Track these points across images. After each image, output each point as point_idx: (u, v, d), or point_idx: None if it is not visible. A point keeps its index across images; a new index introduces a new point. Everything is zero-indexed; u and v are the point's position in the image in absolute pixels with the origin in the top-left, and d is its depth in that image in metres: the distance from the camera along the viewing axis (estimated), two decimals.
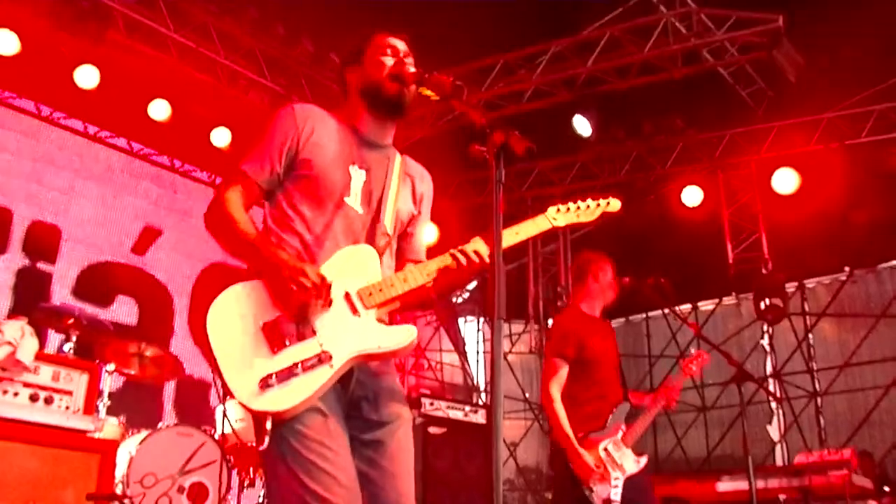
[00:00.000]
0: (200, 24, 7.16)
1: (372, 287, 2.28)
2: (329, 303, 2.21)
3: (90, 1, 6.49)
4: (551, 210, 2.52)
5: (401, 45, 2.46)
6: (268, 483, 2.21)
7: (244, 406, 2.09)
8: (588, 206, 2.57)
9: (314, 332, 2.18)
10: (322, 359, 2.14)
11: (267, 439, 2.06)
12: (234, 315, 2.18)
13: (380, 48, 2.44)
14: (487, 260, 2.29)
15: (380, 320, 2.28)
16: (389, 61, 2.41)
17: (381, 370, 2.34)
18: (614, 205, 2.60)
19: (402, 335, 2.26)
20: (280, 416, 2.08)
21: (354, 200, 2.37)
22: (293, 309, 2.17)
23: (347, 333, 2.21)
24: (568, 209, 2.54)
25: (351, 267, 2.28)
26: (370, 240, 2.37)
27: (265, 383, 2.08)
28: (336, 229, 2.33)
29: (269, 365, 2.11)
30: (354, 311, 2.25)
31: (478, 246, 2.32)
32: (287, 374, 2.10)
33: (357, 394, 2.26)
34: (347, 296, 2.26)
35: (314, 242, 2.30)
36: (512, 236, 2.41)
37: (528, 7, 6.91)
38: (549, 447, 4.08)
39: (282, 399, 2.08)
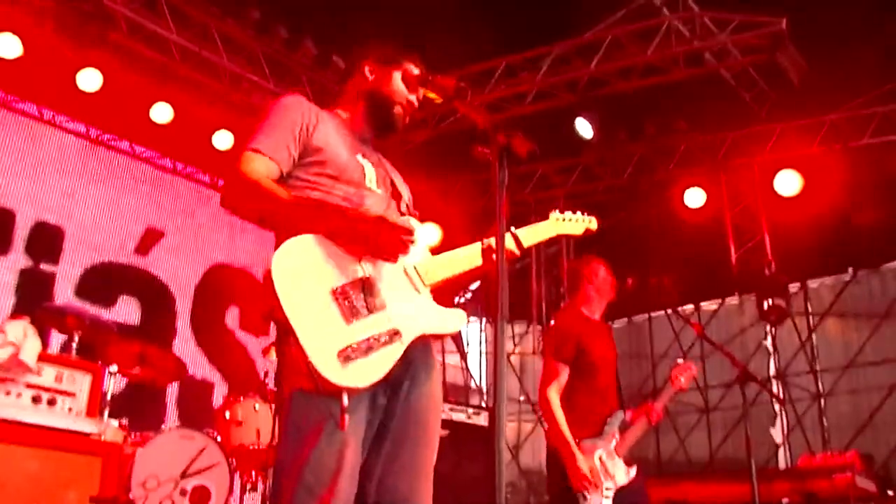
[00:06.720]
0: (202, 26, 7.15)
1: (428, 265, 2.23)
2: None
3: (92, 3, 6.49)
4: (554, 214, 2.70)
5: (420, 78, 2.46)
6: (279, 443, 2.08)
7: (323, 378, 1.90)
8: (573, 220, 2.76)
9: (384, 306, 2.07)
10: (394, 335, 2.03)
11: (347, 418, 1.92)
12: (303, 272, 2.00)
13: (406, 75, 2.44)
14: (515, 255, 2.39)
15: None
16: (405, 93, 2.43)
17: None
18: (592, 224, 2.81)
19: (456, 320, 2.22)
20: (352, 393, 1.94)
21: (373, 184, 2.33)
22: (388, 256, 2.09)
23: (413, 311, 2.13)
24: (564, 218, 2.73)
25: None
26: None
27: (345, 356, 1.92)
28: (370, 207, 2.25)
29: (346, 336, 1.96)
30: (415, 287, 2.18)
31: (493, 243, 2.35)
32: (365, 347, 1.97)
33: (397, 373, 2.10)
34: (406, 271, 2.18)
35: None
36: (530, 236, 2.54)
37: (531, 9, 6.90)
38: (546, 450, 4.02)
39: (363, 375, 1.94)
